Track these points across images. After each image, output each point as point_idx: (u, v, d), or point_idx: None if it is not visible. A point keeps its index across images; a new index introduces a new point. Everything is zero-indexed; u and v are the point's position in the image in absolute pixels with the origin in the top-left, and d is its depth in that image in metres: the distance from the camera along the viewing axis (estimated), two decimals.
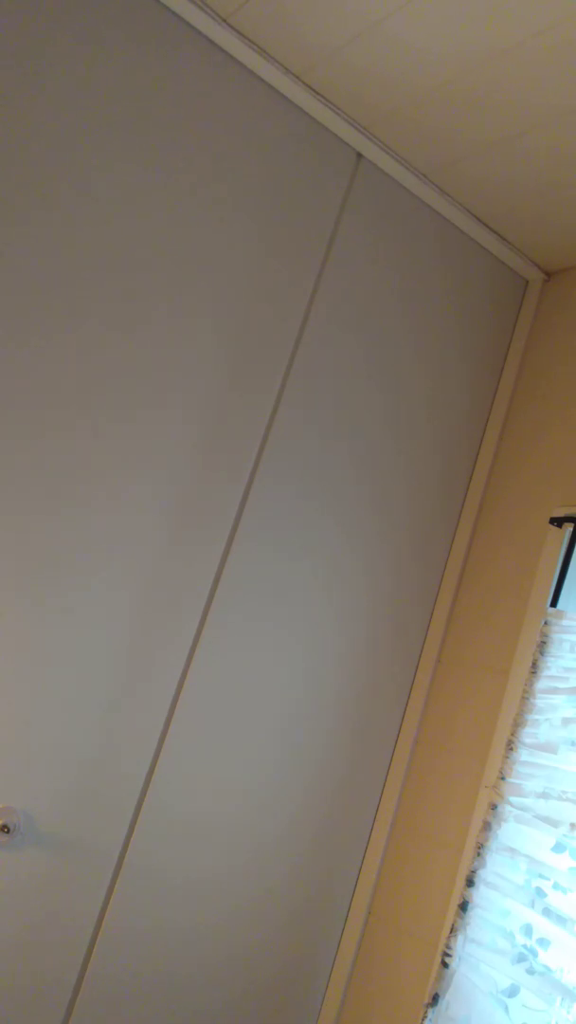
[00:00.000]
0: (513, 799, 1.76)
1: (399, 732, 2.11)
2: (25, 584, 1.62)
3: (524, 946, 1.64)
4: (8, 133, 1.62)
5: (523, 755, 1.78)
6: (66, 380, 1.67)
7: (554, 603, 1.94)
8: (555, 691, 1.80)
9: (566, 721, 1.78)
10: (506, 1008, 1.62)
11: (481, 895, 1.72)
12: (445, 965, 1.70)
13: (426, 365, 2.19)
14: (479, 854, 1.75)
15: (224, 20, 1.85)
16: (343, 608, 2.03)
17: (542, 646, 1.84)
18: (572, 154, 1.92)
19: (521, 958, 1.64)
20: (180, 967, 1.79)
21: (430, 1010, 1.68)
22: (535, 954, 1.63)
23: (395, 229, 2.14)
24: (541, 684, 1.82)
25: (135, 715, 1.74)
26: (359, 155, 2.09)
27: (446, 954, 1.71)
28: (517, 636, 1.98)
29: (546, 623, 1.86)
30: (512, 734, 1.81)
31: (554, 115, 1.83)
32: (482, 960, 1.68)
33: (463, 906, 1.73)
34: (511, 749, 1.80)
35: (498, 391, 2.33)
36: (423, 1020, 1.68)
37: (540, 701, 1.81)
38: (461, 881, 1.84)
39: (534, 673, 1.83)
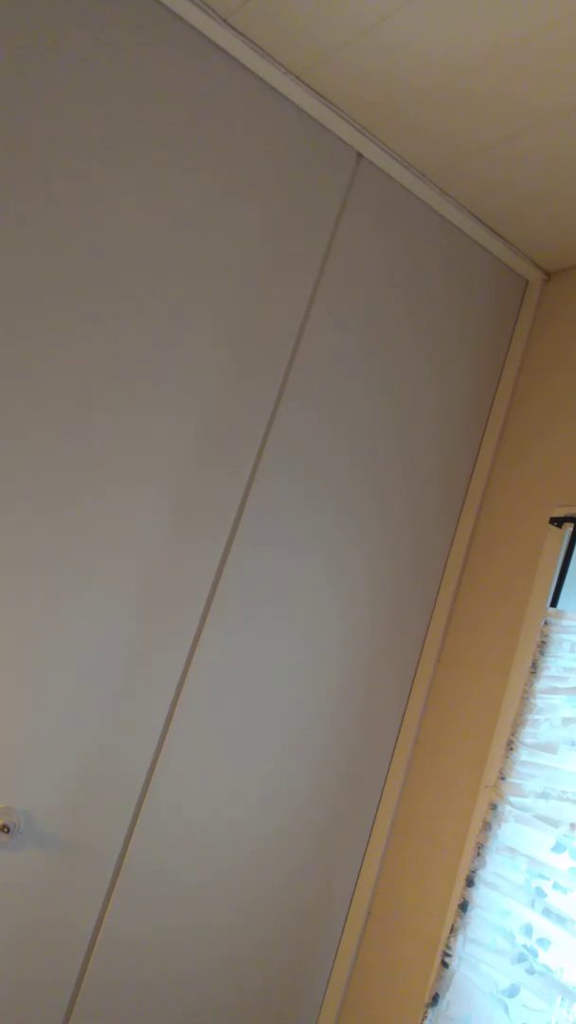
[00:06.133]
0: (513, 799, 1.76)
1: (399, 732, 2.11)
2: (25, 583, 1.62)
3: (524, 946, 1.64)
4: (9, 132, 1.62)
5: (523, 755, 1.78)
6: (66, 377, 1.67)
7: (554, 603, 1.94)
8: (555, 691, 1.80)
9: (566, 721, 1.78)
10: (506, 1008, 1.62)
11: (481, 895, 1.72)
12: (445, 965, 1.70)
13: (426, 364, 2.19)
14: (479, 854, 1.75)
15: (224, 20, 1.85)
16: (343, 609, 2.03)
17: (542, 646, 1.84)
18: (572, 154, 1.92)
19: (521, 958, 1.64)
20: (180, 968, 1.78)
21: (430, 1010, 1.68)
22: (535, 954, 1.63)
23: (395, 229, 2.14)
24: (541, 684, 1.82)
25: (135, 715, 1.74)
26: (359, 155, 2.09)
27: (446, 954, 1.71)
28: (517, 636, 1.98)
29: (546, 623, 1.86)
30: (512, 734, 1.81)
31: (554, 115, 1.83)
32: (482, 960, 1.68)
33: (463, 906, 1.73)
34: (511, 749, 1.80)
35: (498, 391, 2.33)
36: (423, 1020, 1.68)
37: (540, 701, 1.81)
38: (461, 881, 1.84)
39: (534, 673, 1.83)
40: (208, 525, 1.83)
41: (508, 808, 1.76)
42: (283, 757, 1.93)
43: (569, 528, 1.99)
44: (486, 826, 1.77)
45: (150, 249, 1.78)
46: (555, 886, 1.67)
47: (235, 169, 1.89)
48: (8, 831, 1.58)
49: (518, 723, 1.81)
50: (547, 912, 1.65)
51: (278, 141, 1.95)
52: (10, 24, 1.63)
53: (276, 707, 1.92)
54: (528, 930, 1.65)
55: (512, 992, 1.63)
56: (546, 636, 1.85)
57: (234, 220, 1.89)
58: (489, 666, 2.01)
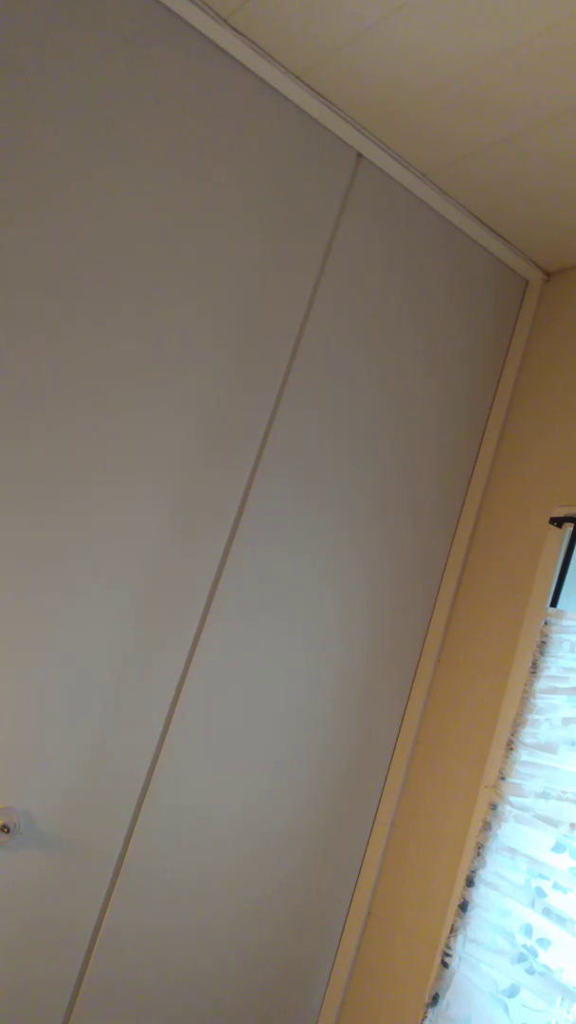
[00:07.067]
0: (513, 799, 1.76)
1: (399, 732, 2.11)
2: (25, 583, 1.62)
3: (524, 946, 1.64)
4: (8, 131, 1.62)
5: (523, 755, 1.78)
6: (66, 377, 1.67)
7: (554, 603, 1.94)
8: (555, 691, 1.80)
9: (566, 721, 1.78)
10: (506, 1008, 1.62)
11: (481, 895, 1.72)
12: (445, 965, 1.70)
13: (426, 364, 2.19)
14: (479, 854, 1.75)
15: (224, 20, 1.85)
16: (343, 609, 2.03)
17: (542, 646, 1.84)
18: (572, 154, 1.92)
19: (521, 958, 1.64)
20: (180, 968, 1.79)
21: (430, 1010, 1.68)
22: (535, 954, 1.63)
23: (395, 229, 2.14)
24: (541, 684, 1.82)
25: (135, 715, 1.74)
26: (359, 155, 2.09)
27: (446, 954, 1.71)
28: (517, 636, 1.98)
29: (546, 623, 1.86)
30: (512, 734, 1.81)
31: (554, 115, 1.83)
32: (482, 960, 1.68)
33: (463, 906, 1.73)
34: (511, 749, 1.80)
35: (498, 391, 2.33)
36: (423, 1020, 1.68)
37: (540, 701, 1.81)
38: (461, 881, 1.84)
39: (534, 673, 1.83)
40: (208, 525, 1.83)
41: (508, 808, 1.76)
42: (283, 757, 1.93)
43: (569, 528, 1.99)
44: (486, 826, 1.77)
45: (150, 249, 1.78)
46: (555, 886, 1.67)
47: (235, 169, 1.89)
48: (8, 831, 1.58)
49: (518, 723, 1.81)
50: (547, 912, 1.65)
51: (278, 141, 1.95)
52: (10, 24, 1.63)
53: (276, 707, 1.92)
54: (528, 930, 1.65)
55: (512, 992, 1.63)
56: (546, 636, 1.85)
57: (234, 220, 1.89)
58: (489, 666, 2.01)
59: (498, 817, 1.76)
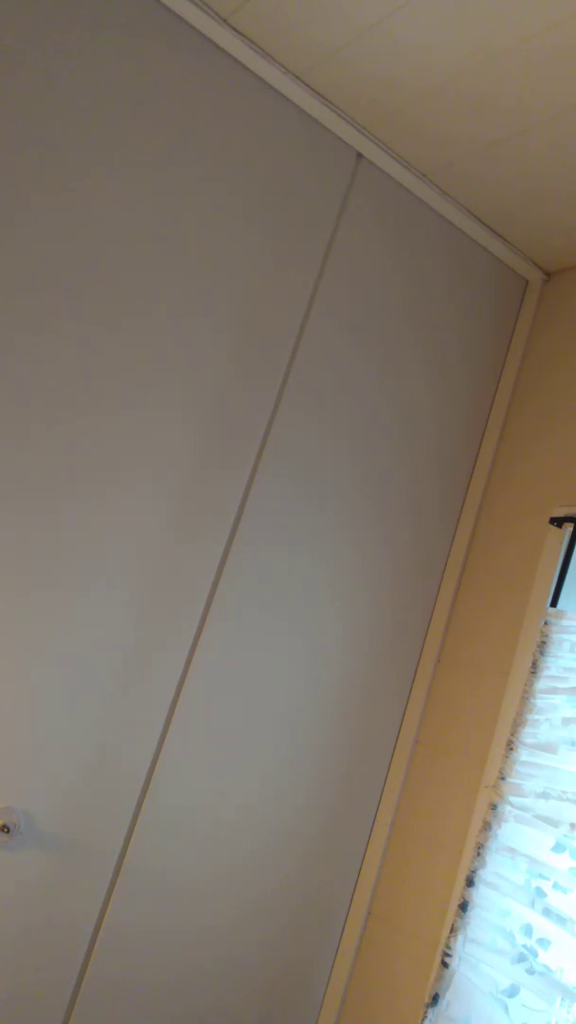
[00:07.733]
0: (513, 799, 1.76)
1: (399, 732, 2.11)
2: (25, 583, 1.62)
3: (524, 946, 1.64)
4: (9, 131, 1.62)
5: (523, 755, 1.78)
6: (66, 377, 1.67)
7: (554, 603, 1.94)
8: (555, 691, 1.80)
9: (566, 721, 1.78)
10: (506, 1008, 1.62)
11: (481, 895, 1.72)
12: (445, 965, 1.70)
13: (426, 364, 2.19)
14: (479, 854, 1.75)
15: (224, 20, 1.85)
16: (343, 609, 2.03)
17: (542, 646, 1.84)
18: (572, 153, 1.92)
19: (521, 958, 1.64)
20: (180, 968, 1.79)
21: (430, 1010, 1.68)
22: (535, 954, 1.63)
23: (395, 229, 2.14)
24: (541, 684, 1.82)
25: (135, 715, 1.74)
26: (359, 155, 2.09)
27: (446, 954, 1.71)
28: (517, 636, 1.98)
29: (546, 623, 1.86)
30: (512, 734, 1.81)
31: (554, 114, 1.83)
32: (482, 960, 1.68)
33: (463, 906, 1.73)
34: (511, 749, 1.80)
35: (498, 391, 2.33)
36: (423, 1020, 1.68)
37: (540, 701, 1.81)
38: (461, 881, 1.84)
39: (534, 673, 1.83)
40: (208, 525, 1.83)
41: (508, 808, 1.76)
42: (283, 757, 1.93)
43: (569, 528, 1.99)
44: (486, 826, 1.77)
45: (150, 249, 1.78)
46: (555, 886, 1.67)
47: (235, 169, 1.89)
48: (8, 831, 1.58)
49: (518, 723, 1.81)
50: (547, 912, 1.65)
51: (278, 141, 1.95)
52: (10, 24, 1.63)
53: (276, 707, 1.92)
54: (528, 930, 1.65)
55: (512, 992, 1.63)
56: (546, 636, 1.85)
57: (234, 220, 1.89)
58: (489, 666, 2.01)
59: (498, 817, 1.76)
